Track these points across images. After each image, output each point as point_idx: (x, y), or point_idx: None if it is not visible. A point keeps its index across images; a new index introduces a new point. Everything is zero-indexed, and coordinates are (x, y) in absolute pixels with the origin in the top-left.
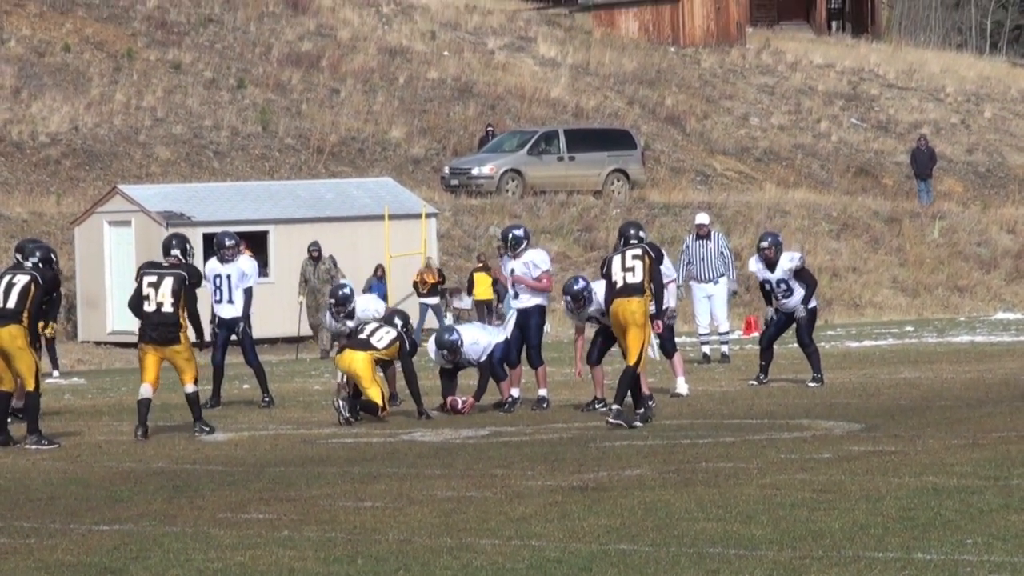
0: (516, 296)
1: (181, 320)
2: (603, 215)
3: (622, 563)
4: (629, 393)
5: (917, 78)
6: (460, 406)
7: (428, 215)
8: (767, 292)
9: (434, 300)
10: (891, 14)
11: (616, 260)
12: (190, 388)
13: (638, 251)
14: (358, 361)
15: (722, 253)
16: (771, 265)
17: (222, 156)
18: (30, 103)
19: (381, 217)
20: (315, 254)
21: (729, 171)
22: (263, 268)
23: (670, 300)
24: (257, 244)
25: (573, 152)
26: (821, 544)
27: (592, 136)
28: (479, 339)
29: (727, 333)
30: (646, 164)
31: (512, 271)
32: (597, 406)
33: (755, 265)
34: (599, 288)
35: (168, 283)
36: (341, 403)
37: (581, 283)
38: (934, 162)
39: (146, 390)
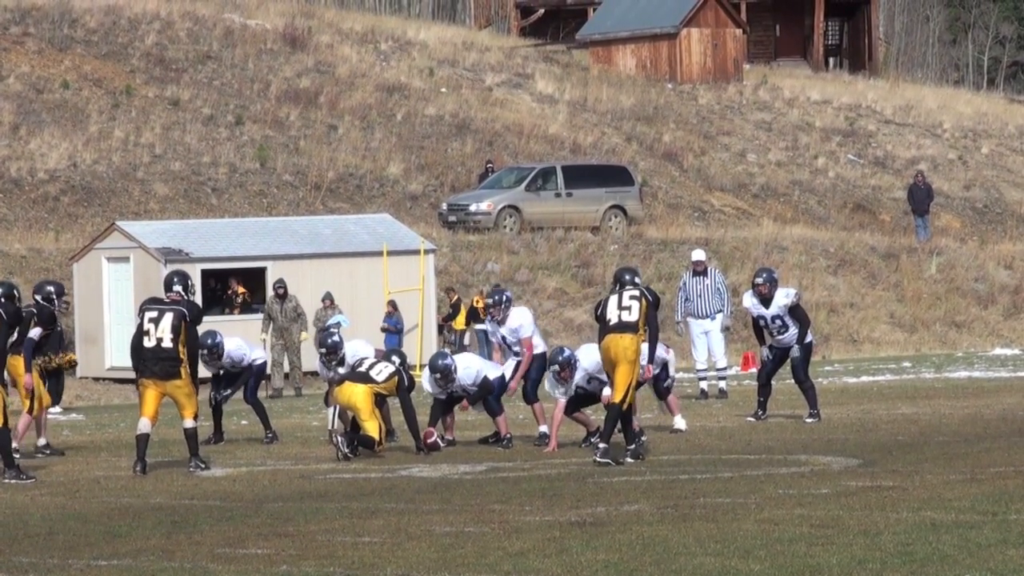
0: (516, 354)
1: (181, 355)
2: (601, 251)
3: None
4: (620, 430)
5: (914, 114)
6: (432, 439)
7: (426, 251)
8: (759, 329)
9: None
10: (888, 51)
11: (613, 300)
12: (189, 423)
13: (635, 292)
14: (358, 394)
15: (719, 289)
16: (766, 301)
17: (220, 192)
18: (28, 140)
19: (379, 253)
20: (280, 292)
21: (726, 207)
22: (261, 304)
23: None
24: (255, 280)
25: (571, 188)
26: None
27: (589, 172)
28: (472, 364)
29: (724, 369)
30: (643, 200)
31: (503, 338)
32: (592, 440)
33: (750, 301)
34: (584, 355)
35: (168, 319)
36: (340, 439)
37: (566, 352)
38: (931, 198)
39: (144, 425)
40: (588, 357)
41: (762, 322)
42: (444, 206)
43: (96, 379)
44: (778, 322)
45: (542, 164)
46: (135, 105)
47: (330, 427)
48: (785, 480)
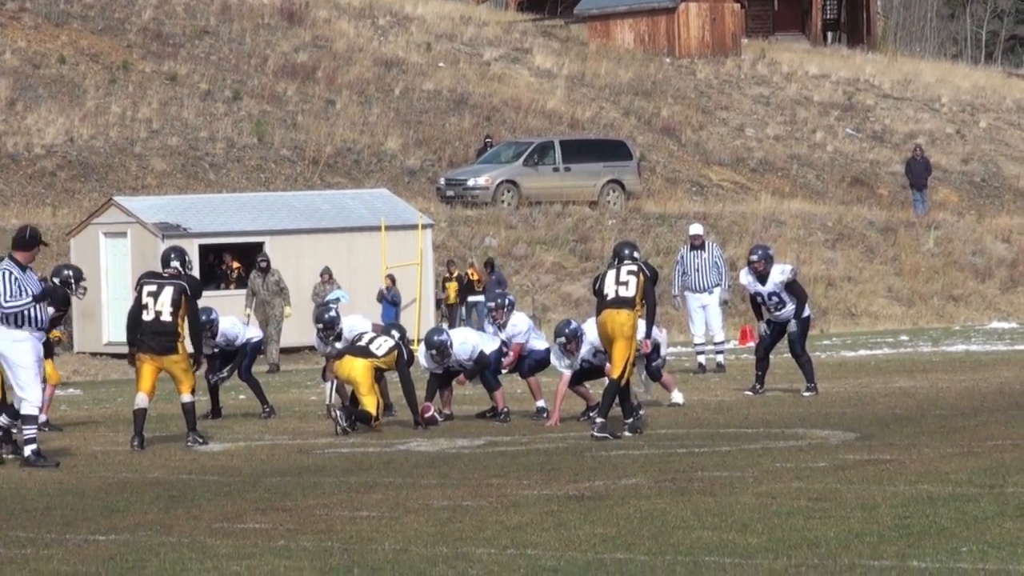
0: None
1: (180, 330)
2: (599, 226)
3: (618, 572)
4: (619, 404)
5: (912, 88)
6: (430, 414)
7: (424, 226)
8: (757, 305)
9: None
10: (886, 25)
11: (610, 274)
12: (187, 398)
13: (633, 267)
14: (358, 368)
15: (716, 263)
16: (762, 278)
17: (218, 168)
18: (25, 115)
19: (377, 228)
20: (263, 265)
21: (724, 181)
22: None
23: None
24: (253, 255)
25: (569, 163)
26: (817, 552)
27: (588, 147)
28: (468, 339)
29: (722, 343)
30: (641, 175)
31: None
32: (591, 414)
33: (746, 279)
34: (590, 329)
35: (168, 292)
36: (338, 413)
37: (573, 324)
38: (929, 172)
39: (142, 399)
40: (594, 330)
41: (759, 298)
42: (442, 181)
43: (93, 354)
44: (775, 298)
45: (540, 139)
46: (132, 80)
47: (328, 401)
48: (783, 454)
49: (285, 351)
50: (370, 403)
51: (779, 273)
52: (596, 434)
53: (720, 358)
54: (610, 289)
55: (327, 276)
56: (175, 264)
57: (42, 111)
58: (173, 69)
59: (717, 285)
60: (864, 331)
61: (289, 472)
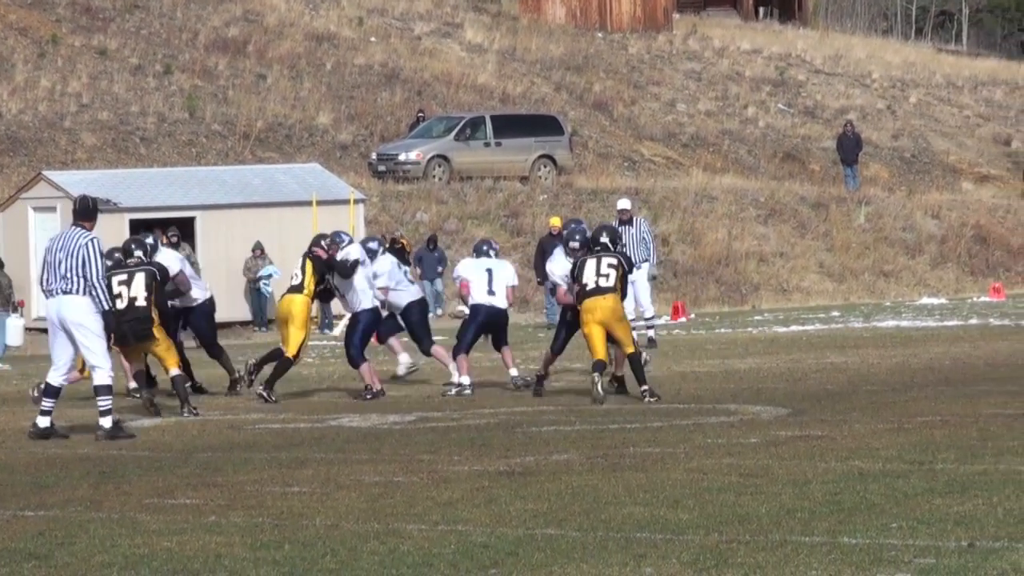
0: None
1: (153, 315)
2: (530, 201)
3: (549, 548)
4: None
5: (844, 64)
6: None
7: (356, 201)
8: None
9: None
10: (818, 0)
11: (591, 264)
12: (174, 371)
13: (614, 260)
14: (296, 302)
15: (644, 239)
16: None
17: (149, 142)
18: None
19: (309, 203)
20: (174, 240)
21: (656, 157)
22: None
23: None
24: (184, 230)
25: (500, 138)
26: (748, 528)
27: (519, 122)
28: (384, 268)
29: (652, 318)
30: (573, 150)
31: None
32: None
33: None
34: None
35: (141, 279)
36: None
37: (582, 224)
38: (860, 148)
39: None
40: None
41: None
42: (374, 156)
43: (25, 329)
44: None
45: (471, 114)
46: (61, 55)
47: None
48: (714, 429)
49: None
50: (297, 339)
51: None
52: (650, 399)
53: (651, 333)
54: (590, 280)
55: (259, 251)
56: (138, 254)
57: None
58: (103, 43)
59: (646, 260)
60: (796, 307)
61: (220, 448)
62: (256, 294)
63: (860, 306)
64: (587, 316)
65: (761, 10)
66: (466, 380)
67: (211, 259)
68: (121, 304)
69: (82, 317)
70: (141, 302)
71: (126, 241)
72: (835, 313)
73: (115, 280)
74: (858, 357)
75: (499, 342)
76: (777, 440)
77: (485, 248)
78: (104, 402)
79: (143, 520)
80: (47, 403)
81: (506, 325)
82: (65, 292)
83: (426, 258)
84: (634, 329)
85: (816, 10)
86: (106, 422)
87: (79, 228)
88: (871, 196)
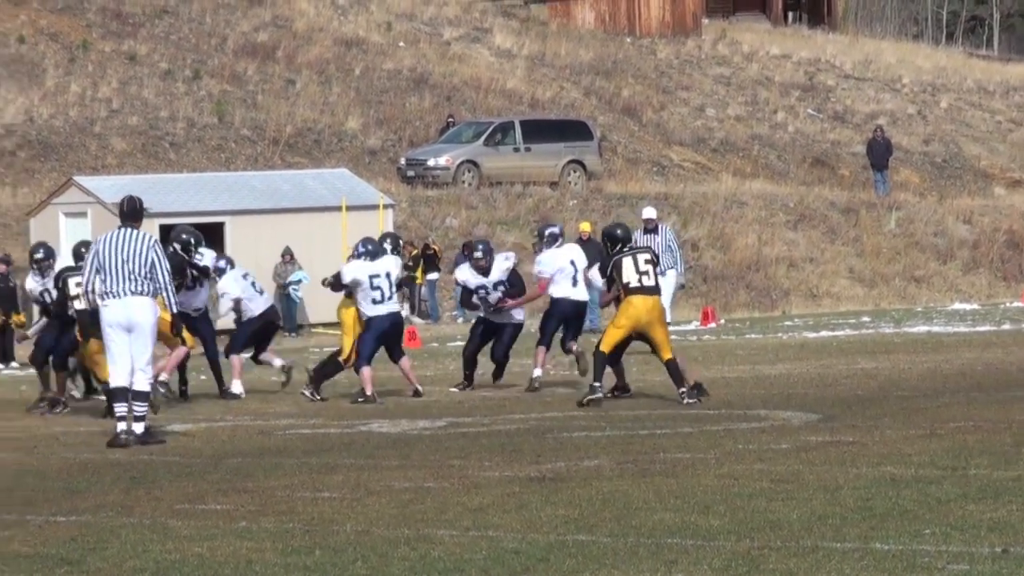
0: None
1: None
2: (560, 206)
3: (580, 554)
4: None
5: (874, 69)
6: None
7: (385, 206)
8: (482, 299)
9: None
10: (847, 5)
11: (628, 262)
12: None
13: (648, 256)
14: (343, 309)
15: (670, 247)
16: (484, 272)
17: (178, 147)
18: None
19: (338, 208)
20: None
21: (686, 162)
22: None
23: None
24: (214, 236)
25: (529, 143)
26: (779, 534)
27: (548, 127)
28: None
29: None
30: (602, 155)
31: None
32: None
33: (466, 273)
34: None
35: None
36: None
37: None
38: (890, 153)
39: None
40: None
41: (482, 291)
42: (403, 161)
43: None
44: (501, 288)
45: (500, 119)
46: (92, 60)
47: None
48: (745, 435)
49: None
50: (348, 344)
51: (504, 260)
52: (689, 400)
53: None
54: (632, 278)
55: (288, 256)
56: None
57: (1, 90)
58: (133, 48)
59: (671, 268)
60: (826, 312)
61: (250, 453)
62: (286, 299)
63: (891, 311)
64: (626, 314)
65: (790, 15)
66: (538, 372)
67: (240, 264)
68: (81, 304)
69: (148, 318)
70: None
71: (76, 244)
72: (866, 318)
73: (72, 282)
74: (889, 362)
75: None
76: (808, 446)
77: (557, 233)
78: (140, 408)
79: (174, 525)
80: (121, 408)
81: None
82: (134, 293)
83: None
84: None
85: (846, 15)
86: (139, 427)
87: (131, 229)
88: (902, 201)
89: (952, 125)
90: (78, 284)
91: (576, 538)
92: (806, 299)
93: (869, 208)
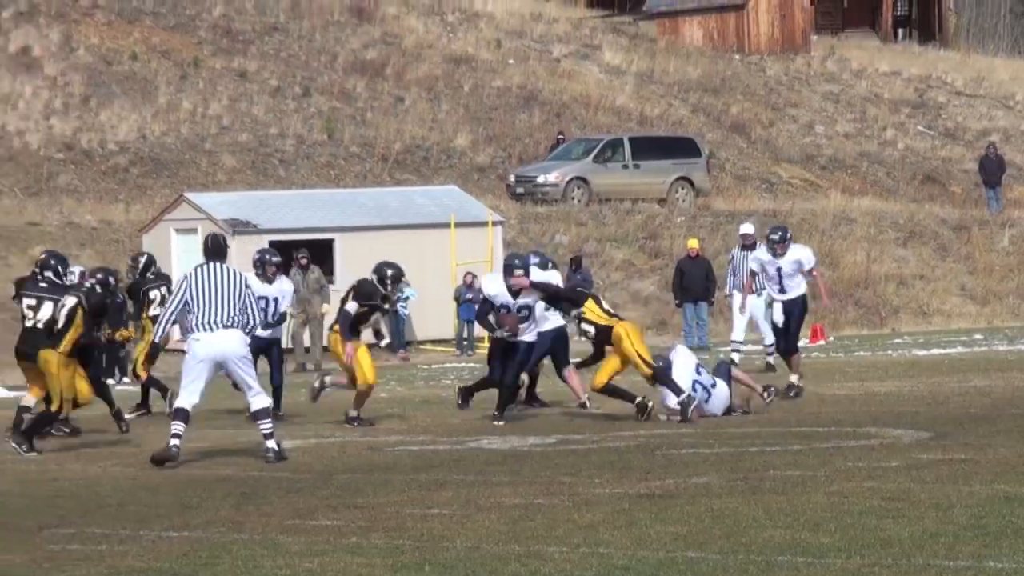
0: (782, 291)
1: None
2: (668, 223)
3: (690, 571)
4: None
5: (986, 86)
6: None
7: (495, 223)
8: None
9: None
10: (958, 21)
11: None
12: (34, 402)
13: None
14: None
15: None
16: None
17: (287, 164)
18: (99, 111)
19: (447, 225)
20: (304, 262)
21: (794, 179)
22: (329, 276)
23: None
24: (323, 252)
25: (638, 160)
26: (890, 552)
27: (657, 144)
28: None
29: (771, 345)
30: (711, 172)
31: (779, 269)
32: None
33: (498, 286)
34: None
35: (50, 308)
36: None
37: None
38: (1003, 170)
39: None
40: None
41: (503, 311)
42: (512, 178)
43: (169, 351)
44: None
45: (610, 135)
46: (203, 77)
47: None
48: (855, 453)
49: (307, 351)
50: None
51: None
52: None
53: (771, 359)
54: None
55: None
56: (48, 274)
57: (115, 108)
58: (243, 65)
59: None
60: (937, 330)
61: (360, 469)
62: (394, 316)
63: (1004, 329)
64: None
65: (900, 31)
66: (794, 379)
67: (349, 281)
68: (28, 323)
69: (245, 351)
70: (41, 326)
71: (46, 257)
72: (978, 336)
73: (25, 303)
74: (1003, 380)
75: None
76: (919, 463)
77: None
78: (266, 425)
79: (284, 541)
80: (178, 427)
81: None
82: (227, 327)
83: (571, 280)
84: (736, 352)
85: (957, 31)
86: (272, 444)
87: (221, 264)
88: (1015, 219)
89: None
90: (29, 307)
91: (686, 555)
92: (916, 317)
93: (982, 225)
